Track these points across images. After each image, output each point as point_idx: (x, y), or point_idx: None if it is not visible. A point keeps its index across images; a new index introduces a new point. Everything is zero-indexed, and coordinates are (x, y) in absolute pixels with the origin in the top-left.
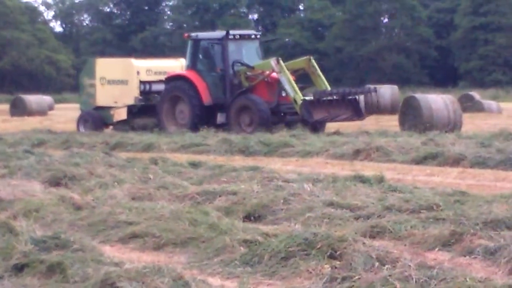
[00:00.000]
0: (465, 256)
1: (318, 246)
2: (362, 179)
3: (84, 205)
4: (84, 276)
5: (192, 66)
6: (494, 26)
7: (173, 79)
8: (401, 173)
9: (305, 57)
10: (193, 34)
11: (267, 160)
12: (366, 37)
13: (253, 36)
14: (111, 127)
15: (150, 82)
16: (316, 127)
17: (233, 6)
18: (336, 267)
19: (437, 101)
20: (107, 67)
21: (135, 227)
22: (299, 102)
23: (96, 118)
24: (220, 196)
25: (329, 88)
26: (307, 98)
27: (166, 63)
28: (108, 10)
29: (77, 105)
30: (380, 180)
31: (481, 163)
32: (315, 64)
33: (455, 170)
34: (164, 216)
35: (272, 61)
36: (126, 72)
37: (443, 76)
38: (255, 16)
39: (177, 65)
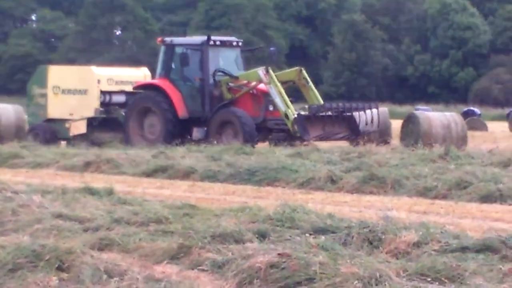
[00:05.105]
0: (193, 269)
1: (46, 258)
2: (92, 191)
3: None
4: None
5: (165, 74)
6: None
7: (142, 89)
8: (131, 186)
9: (295, 68)
10: (167, 39)
11: None
12: (99, 49)
13: (234, 43)
14: (62, 142)
15: (110, 93)
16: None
17: None
18: (64, 279)
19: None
20: (62, 75)
21: None
22: (292, 117)
23: (48, 132)
24: None
25: (322, 103)
26: (302, 112)
27: (128, 72)
28: None
29: None
30: (110, 192)
31: (211, 176)
32: (306, 75)
33: (185, 183)
34: None
35: (261, 71)
36: (85, 81)
37: None
38: None
39: (139, 74)
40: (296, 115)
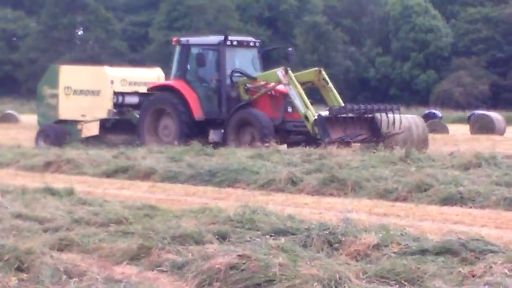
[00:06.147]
0: (152, 270)
1: (6, 258)
2: (52, 192)
3: None
4: None
5: (181, 75)
6: None
7: (157, 90)
8: (91, 186)
9: (314, 69)
10: (183, 39)
11: None
12: (61, 49)
13: (252, 44)
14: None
15: (123, 94)
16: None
17: None
18: (23, 280)
19: None
20: (74, 76)
21: None
22: (312, 119)
23: (59, 133)
24: None
25: (342, 104)
26: (322, 114)
27: (142, 73)
28: None
29: None
30: (70, 192)
31: (171, 177)
32: (326, 76)
33: (146, 184)
34: None
35: (279, 71)
36: (98, 81)
37: None
38: None
39: (153, 75)
40: (316, 117)
